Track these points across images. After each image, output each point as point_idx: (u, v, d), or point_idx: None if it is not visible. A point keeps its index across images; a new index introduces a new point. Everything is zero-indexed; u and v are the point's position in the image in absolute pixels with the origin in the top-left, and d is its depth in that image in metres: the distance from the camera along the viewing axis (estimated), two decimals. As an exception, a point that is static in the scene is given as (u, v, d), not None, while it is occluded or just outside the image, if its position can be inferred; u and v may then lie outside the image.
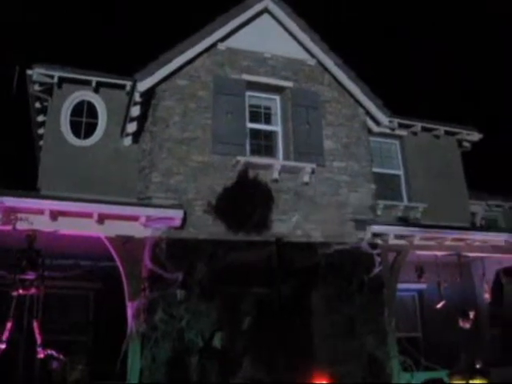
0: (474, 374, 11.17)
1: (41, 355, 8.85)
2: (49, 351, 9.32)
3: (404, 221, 13.09)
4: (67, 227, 9.25)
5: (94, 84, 12.49)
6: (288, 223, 10.72)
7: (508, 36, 39.76)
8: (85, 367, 10.13)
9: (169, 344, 9.19)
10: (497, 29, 40.08)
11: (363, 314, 10.63)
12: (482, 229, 14.69)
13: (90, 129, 12.55)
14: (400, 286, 11.37)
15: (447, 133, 15.25)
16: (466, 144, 15.65)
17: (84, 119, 12.60)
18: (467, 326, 12.08)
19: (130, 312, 9.20)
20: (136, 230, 9.56)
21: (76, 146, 12.24)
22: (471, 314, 12.23)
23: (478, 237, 12.09)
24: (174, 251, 9.68)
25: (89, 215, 9.17)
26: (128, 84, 12.22)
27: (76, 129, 12.43)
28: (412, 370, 11.11)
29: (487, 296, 13.28)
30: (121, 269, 9.35)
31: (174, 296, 9.40)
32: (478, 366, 11.59)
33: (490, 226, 17.12)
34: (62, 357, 9.55)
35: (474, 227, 14.58)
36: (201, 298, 9.58)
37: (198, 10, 37.17)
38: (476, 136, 15.51)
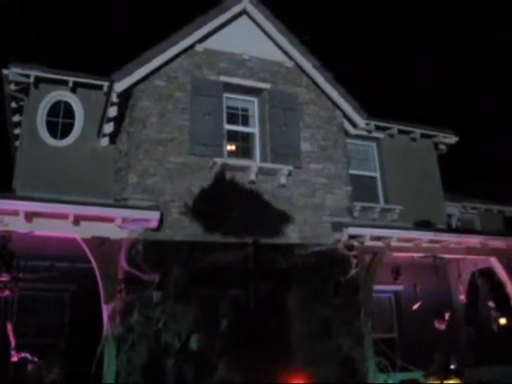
0: (448, 374, 11.30)
1: (15, 358, 8.76)
2: (23, 354, 9.25)
3: (380, 222, 13.18)
4: (42, 228, 9.17)
5: (70, 84, 12.41)
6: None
7: (484, 37, 40.23)
8: (60, 370, 10.05)
9: (145, 346, 9.15)
10: (475, 30, 40.49)
11: (339, 315, 10.67)
12: (457, 230, 14.83)
13: (67, 129, 12.48)
14: (376, 287, 11.43)
15: (423, 135, 15.41)
16: (442, 147, 15.83)
17: (61, 119, 12.53)
18: (443, 326, 12.20)
19: (105, 314, 9.13)
20: (112, 231, 9.49)
21: (52, 146, 12.16)
22: (447, 315, 12.35)
23: (453, 238, 12.20)
24: (151, 253, 9.64)
25: (64, 216, 9.10)
26: (105, 84, 12.16)
27: (52, 129, 12.35)
28: (388, 370, 11.18)
29: (463, 297, 13.42)
30: (96, 270, 9.27)
31: (151, 298, 9.35)
32: (452, 367, 11.73)
33: (465, 227, 17.29)
34: (36, 359, 9.48)
35: (449, 229, 14.72)
36: (177, 299, 9.55)
37: (176, 10, 37.04)
38: (452, 139, 15.69)
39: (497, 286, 13.21)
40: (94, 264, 9.30)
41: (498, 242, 12.64)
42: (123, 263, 9.42)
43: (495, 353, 12.75)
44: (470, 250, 12.50)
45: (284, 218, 10.94)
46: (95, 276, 9.30)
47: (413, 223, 13.37)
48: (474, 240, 12.41)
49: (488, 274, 13.60)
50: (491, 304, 13.45)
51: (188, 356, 9.36)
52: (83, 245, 9.32)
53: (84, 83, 12.54)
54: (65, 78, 12.36)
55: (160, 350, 9.22)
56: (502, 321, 13.50)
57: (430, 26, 41.59)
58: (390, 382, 10.72)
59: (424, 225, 13.11)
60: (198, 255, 9.95)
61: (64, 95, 12.58)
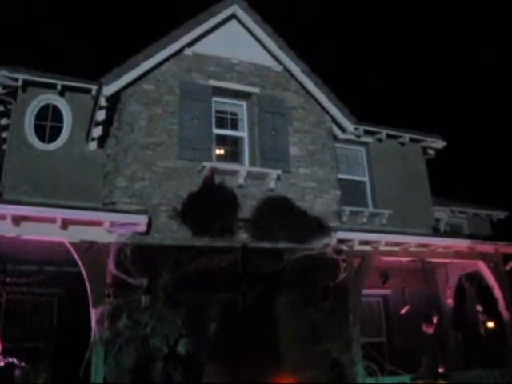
0: (436, 377, 11.34)
1: (1, 363, 8.70)
2: (10, 359, 9.19)
3: (369, 227, 13.21)
4: (30, 232, 9.11)
5: (59, 87, 12.35)
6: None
7: (472, 47, 40.51)
8: (48, 374, 10.02)
9: (133, 350, 9.12)
10: (464, 37, 40.78)
11: (328, 320, 10.68)
12: (445, 235, 14.91)
13: (55, 133, 12.41)
14: (365, 291, 11.44)
15: (412, 140, 15.46)
16: (430, 151, 15.90)
17: (49, 123, 12.46)
18: (430, 330, 12.26)
19: (93, 318, 9.09)
20: (100, 235, 9.46)
21: (40, 149, 12.09)
22: (434, 319, 12.42)
23: (441, 243, 12.26)
24: (139, 257, 9.62)
25: (52, 220, 9.05)
26: (94, 88, 12.11)
27: (40, 132, 12.29)
28: (376, 374, 11.20)
29: (450, 301, 13.49)
30: (84, 274, 9.23)
31: (139, 302, 9.32)
32: (440, 370, 11.77)
33: (453, 232, 17.37)
34: (24, 364, 9.43)
35: (437, 233, 14.78)
36: (166, 303, 9.53)
37: (165, 14, 37.07)
38: (440, 143, 15.75)
39: (484, 290, 13.29)
40: (82, 268, 9.25)
41: (485, 246, 12.72)
42: (111, 267, 9.39)
43: (483, 356, 12.83)
44: (458, 254, 12.58)
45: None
46: (83, 280, 9.25)
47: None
48: (462, 244, 12.47)
49: (475, 277, 13.69)
50: (479, 308, 13.52)
51: (176, 360, 9.33)
52: (71, 249, 9.28)
53: (72, 87, 12.48)
54: (53, 81, 12.30)
55: (148, 354, 9.19)
56: (490, 324, 13.59)
57: (419, 30, 41.86)
58: (378, 386, 10.74)
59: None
60: (187, 259, 9.93)
61: (52, 99, 12.52)
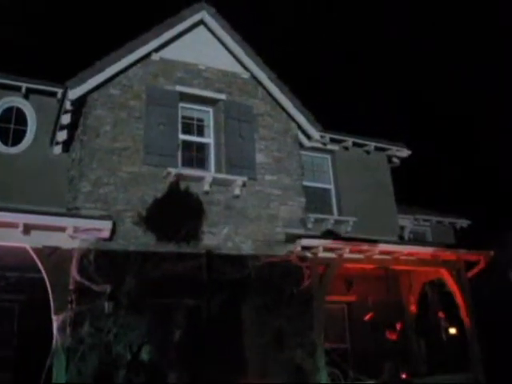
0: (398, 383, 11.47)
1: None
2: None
3: (334, 234, 13.30)
4: (-9, 237, 8.95)
5: (23, 90, 12.20)
6: (218, 236, 10.73)
7: (436, 52, 41.16)
8: (9, 382, 9.85)
9: (95, 357, 9.02)
10: (431, 42, 41.43)
11: (292, 326, 10.71)
12: (409, 242, 15.09)
13: (19, 136, 12.25)
14: (329, 298, 11.50)
15: (377, 148, 15.66)
16: (395, 160, 16.10)
17: (12, 126, 12.29)
18: (394, 337, 12.40)
19: (55, 325, 8.96)
20: (63, 240, 9.34)
21: (3, 153, 11.92)
22: (398, 326, 12.56)
23: (405, 250, 12.39)
24: (103, 263, 9.52)
25: (14, 225, 8.89)
26: (59, 91, 12.00)
27: (3, 136, 12.12)
28: (340, 380, 11.28)
29: (414, 308, 13.65)
30: (47, 281, 9.09)
31: (102, 309, 9.23)
32: (402, 376, 11.91)
33: (418, 239, 17.60)
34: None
35: (401, 241, 14.96)
36: (129, 310, 9.45)
37: (132, 18, 36.88)
38: (405, 152, 15.99)
39: (447, 297, 13.48)
40: (45, 274, 9.11)
41: (448, 254, 12.91)
42: (74, 273, 9.28)
43: (445, 362, 13.02)
44: (421, 262, 12.72)
45: (237, 229, 10.96)
46: (46, 286, 9.12)
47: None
48: (425, 252, 12.63)
49: (438, 284, 13.88)
50: (441, 314, 13.71)
51: (139, 367, 9.26)
52: (33, 254, 9.13)
53: (37, 89, 12.34)
54: (18, 83, 12.14)
55: (111, 361, 9.11)
56: (452, 330, 13.79)
57: (381, 34, 42.39)
58: (342, 392, 10.81)
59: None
60: (151, 265, 9.87)
61: (16, 101, 12.36)
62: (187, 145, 11.55)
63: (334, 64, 41.97)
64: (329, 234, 13.03)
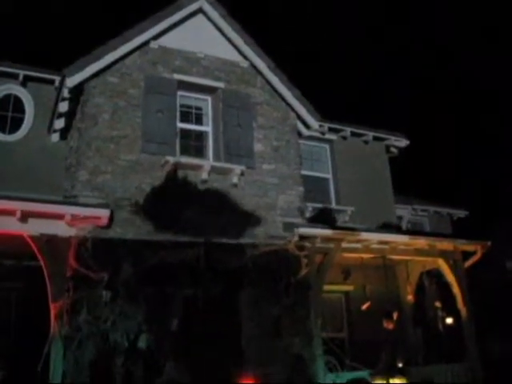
0: (394, 373, 11.50)
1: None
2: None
3: (332, 223, 13.31)
4: (-12, 225, 8.93)
5: (21, 78, 12.16)
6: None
7: (434, 45, 41.06)
8: (6, 371, 9.86)
9: (93, 346, 9.02)
10: (427, 39, 41.32)
11: (290, 315, 10.73)
12: (406, 232, 15.11)
13: (16, 124, 12.23)
14: (327, 287, 11.53)
15: (376, 138, 15.66)
16: (393, 150, 16.11)
17: (10, 113, 12.28)
18: (391, 326, 12.41)
19: (53, 313, 8.96)
20: (61, 228, 9.32)
21: (1, 141, 11.90)
22: (395, 315, 12.57)
23: (402, 240, 12.40)
24: (100, 251, 9.50)
25: (11, 212, 8.87)
26: (57, 79, 11.95)
27: (1, 123, 12.08)
28: (337, 369, 11.30)
29: (410, 297, 13.68)
30: (44, 268, 9.08)
31: (99, 297, 9.23)
32: (399, 365, 11.95)
33: (415, 229, 17.62)
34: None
35: (399, 230, 14.97)
36: (127, 298, 9.44)
37: (132, 6, 36.68)
38: (403, 142, 16.00)
39: (444, 287, 13.50)
40: (42, 262, 9.10)
41: (445, 244, 12.93)
42: (72, 261, 9.26)
43: (441, 352, 13.06)
44: (419, 252, 12.75)
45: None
46: (43, 274, 9.11)
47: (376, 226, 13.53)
48: (422, 242, 12.64)
49: (435, 275, 13.89)
50: (438, 304, 13.74)
51: (136, 355, 9.27)
52: (31, 242, 9.12)
53: (35, 77, 12.30)
54: (15, 71, 12.10)
55: (108, 349, 9.11)
56: (449, 320, 13.82)
57: (380, 27, 42.25)
58: (339, 381, 10.82)
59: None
60: (149, 254, 9.86)
61: (14, 89, 12.32)
62: (185, 133, 11.52)
63: (333, 53, 41.85)
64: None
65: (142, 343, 9.38)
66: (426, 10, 42.45)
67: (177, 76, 11.38)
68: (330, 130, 14.76)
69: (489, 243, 13.26)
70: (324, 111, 13.09)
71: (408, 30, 43.10)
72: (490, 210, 27.36)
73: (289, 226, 11.25)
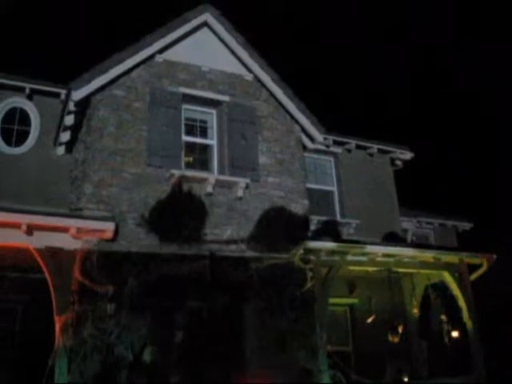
0: (400, 386, 11.43)
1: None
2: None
3: (337, 236, 13.28)
4: (-6, 237, 8.94)
5: (27, 91, 12.25)
6: (221, 237, 10.71)
7: (439, 58, 41.14)
8: (10, 383, 9.83)
9: (97, 359, 9.01)
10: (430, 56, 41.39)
11: (295, 328, 10.70)
12: (411, 245, 15.07)
13: (22, 137, 12.29)
14: (332, 300, 11.48)
15: (380, 151, 15.67)
16: (398, 162, 16.11)
17: (16, 127, 12.33)
18: (396, 340, 12.32)
19: (58, 326, 8.96)
20: (66, 241, 9.33)
21: (7, 154, 11.96)
22: (400, 329, 12.49)
23: (407, 253, 12.36)
24: (105, 264, 9.52)
25: (17, 225, 8.89)
26: (63, 92, 12.03)
27: (7, 136, 12.15)
28: (342, 383, 11.23)
29: (416, 310, 13.61)
30: (49, 281, 9.09)
31: (104, 310, 9.22)
32: (404, 379, 11.87)
33: (420, 242, 17.57)
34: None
35: (404, 243, 14.93)
36: (131, 311, 9.43)
37: (137, 20, 36.91)
38: (408, 155, 16.00)
39: (449, 300, 13.43)
40: (47, 275, 9.11)
41: (450, 257, 12.86)
42: (77, 274, 9.27)
43: (447, 365, 12.97)
44: (424, 264, 12.68)
45: (240, 231, 10.96)
46: (48, 287, 9.11)
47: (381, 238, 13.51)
48: (428, 254, 12.58)
49: (441, 287, 13.83)
50: (443, 317, 13.67)
51: (141, 369, 9.24)
52: (36, 255, 9.13)
53: (41, 90, 12.39)
54: (21, 84, 12.19)
55: (113, 362, 9.09)
56: (454, 334, 13.74)
57: (385, 44, 42.38)
58: (344, 395, 10.77)
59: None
60: (154, 267, 9.87)
61: (20, 102, 12.40)
62: (190, 146, 11.56)
63: (337, 66, 41.97)
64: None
65: (146, 356, 9.36)
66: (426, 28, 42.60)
67: (182, 89, 11.44)
68: (335, 142, 14.78)
69: (494, 256, 13.19)
70: (329, 124, 13.12)
71: (411, 39, 43.23)
72: (496, 222, 27.29)
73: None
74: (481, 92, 38.20)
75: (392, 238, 14.40)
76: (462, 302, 12.70)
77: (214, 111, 11.98)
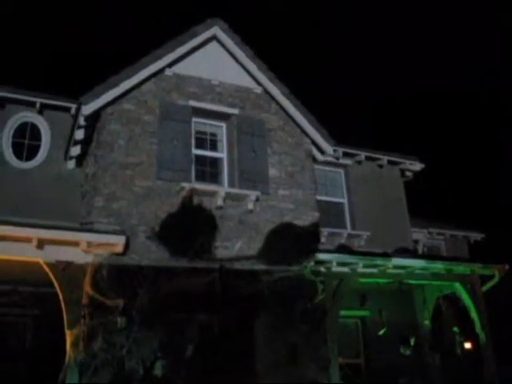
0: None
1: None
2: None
3: (347, 248, 13.24)
4: (5, 252, 8.92)
5: (38, 106, 12.34)
6: (231, 250, 10.71)
7: (446, 68, 41.08)
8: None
9: (108, 373, 9.00)
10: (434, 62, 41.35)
11: (306, 341, 10.65)
12: (423, 256, 14.98)
13: (33, 151, 12.36)
14: (343, 312, 11.43)
15: (390, 162, 15.64)
16: (408, 173, 16.07)
17: (27, 141, 12.41)
18: (408, 352, 12.25)
19: (68, 340, 8.97)
20: (77, 255, 9.35)
21: (18, 168, 12.03)
22: (412, 341, 12.42)
23: (419, 264, 12.29)
24: (116, 278, 9.53)
25: (28, 240, 8.92)
26: (73, 107, 12.10)
27: (18, 150, 12.23)
28: (354, 396, 11.18)
29: (428, 322, 13.52)
30: (60, 295, 9.11)
31: (115, 323, 9.22)
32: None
33: (431, 253, 17.49)
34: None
35: (415, 255, 14.86)
36: (142, 325, 9.43)
37: (146, 34, 37.16)
38: (418, 166, 15.96)
39: (461, 311, 13.34)
40: (58, 289, 9.13)
41: (462, 268, 12.78)
42: (87, 288, 9.28)
43: (460, 377, 12.87)
44: (435, 276, 12.60)
45: (251, 244, 10.95)
46: (59, 301, 9.13)
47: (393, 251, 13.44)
48: (439, 266, 12.51)
49: (453, 299, 13.75)
50: (456, 329, 13.58)
51: (152, 383, 9.23)
52: (47, 269, 9.16)
53: (51, 105, 12.46)
54: (32, 99, 12.27)
55: (123, 376, 9.07)
56: (467, 345, 13.64)
57: (395, 49, 42.41)
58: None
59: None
60: (164, 280, 9.87)
61: (31, 116, 12.49)
62: (200, 159, 11.56)
63: (347, 77, 42.03)
64: (342, 249, 12.97)
65: (157, 370, 9.35)
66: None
67: (192, 103, 11.47)
68: (345, 154, 14.78)
69: (506, 266, 13.10)
70: (338, 136, 13.11)
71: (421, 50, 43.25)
72: (507, 232, 27.12)
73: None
74: (494, 99, 38.11)
75: (403, 250, 14.33)
76: (474, 314, 12.61)
77: (223, 124, 12.01)
